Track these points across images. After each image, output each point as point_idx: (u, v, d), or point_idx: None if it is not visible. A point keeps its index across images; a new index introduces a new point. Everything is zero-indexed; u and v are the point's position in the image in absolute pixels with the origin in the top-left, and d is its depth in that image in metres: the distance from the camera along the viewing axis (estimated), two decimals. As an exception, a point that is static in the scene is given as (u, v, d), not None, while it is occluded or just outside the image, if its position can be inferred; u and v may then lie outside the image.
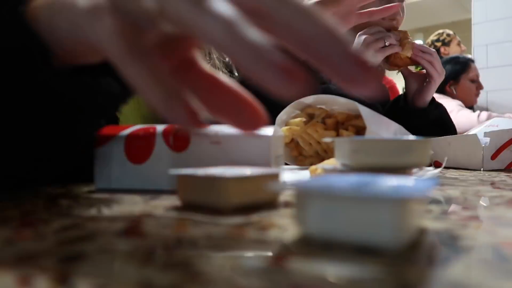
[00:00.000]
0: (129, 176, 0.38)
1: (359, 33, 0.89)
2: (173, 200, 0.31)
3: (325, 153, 0.60)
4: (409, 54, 0.91)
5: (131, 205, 0.29)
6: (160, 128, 0.38)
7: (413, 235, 0.19)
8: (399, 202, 0.17)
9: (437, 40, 2.65)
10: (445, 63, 2.07)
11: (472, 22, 2.51)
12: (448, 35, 2.63)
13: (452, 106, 1.84)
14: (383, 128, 0.52)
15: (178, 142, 0.37)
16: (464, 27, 3.59)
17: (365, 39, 0.88)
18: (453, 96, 2.04)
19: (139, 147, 0.38)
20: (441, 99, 1.94)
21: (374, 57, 0.86)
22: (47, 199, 0.32)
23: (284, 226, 0.22)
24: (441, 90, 2.04)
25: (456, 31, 2.73)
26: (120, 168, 0.38)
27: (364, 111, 0.52)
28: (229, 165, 0.35)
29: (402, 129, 0.57)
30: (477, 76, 2.08)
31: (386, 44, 0.88)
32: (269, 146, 0.35)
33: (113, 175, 0.38)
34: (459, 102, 1.99)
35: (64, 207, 0.28)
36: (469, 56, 2.22)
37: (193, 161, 0.36)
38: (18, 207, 0.28)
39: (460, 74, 2.04)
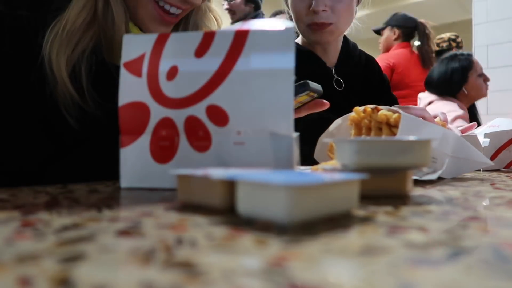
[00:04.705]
0: (153, 175, 0.38)
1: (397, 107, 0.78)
2: (173, 200, 0.31)
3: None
4: None
5: (131, 205, 0.29)
6: (183, 128, 0.38)
7: (318, 215, 0.23)
8: (288, 189, 0.22)
9: (454, 40, 2.66)
10: (447, 61, 2.03)
11: (473, 23, 2.51)
12: (461, 41, 2.65)
13: (453, 113, 1.83)
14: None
15: (201, 142, 0.37)
16: (464, 27, 3.59)
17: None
18: (465, 97, 2.01)
19: (163, 147, 0.38)
20: (447, 105, 1.92)
21: None
22: (47, 199, 0.32)
23: (284, 226, 0.22)
24: (454, 95, 2.00)
25: (456, 32, 2.74)
26: (145, 168, 0.39)
27: (404, 122, 0.49)
28: (252, 166, 0.35)
29: (449, 135, 0.52)
30: (481, 68, 2.06)
31: None
32: (292, 147, 0.36)
33: (138, 175, 0.39)
34: (461, 112, 1.96)
35: (64, 207, 0.28)
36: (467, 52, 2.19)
37: (216, 161, 0.37)
38: (18, 207, 0.28)
39: (467, 72, 2.01)
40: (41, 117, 0.52)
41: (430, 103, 1.94)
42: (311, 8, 0.90)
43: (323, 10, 0.90)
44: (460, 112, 1.93)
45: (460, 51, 2.10)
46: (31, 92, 0.51)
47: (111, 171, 0.45)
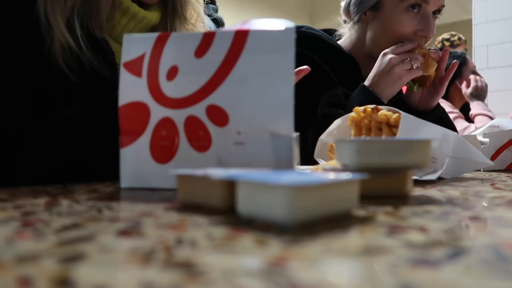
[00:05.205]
0: (154, 175, 0.38)
1: (384, 51, 0.84)
2: (173, 200, 0.31)
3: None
4: (432, 73, 0.85)
5: (131, 205, 0.29)
6: (183, 129, 0.38)
7: (318, 215, 0.23)
8: (289, 189, 0.21)
9: (447, 40, 2.66)
10: None
11: (473, 23, 2.51)
12: (459, 39, 2.65)
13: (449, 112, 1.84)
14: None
15: (201, 142, 0.37)
16: (464, 27, 3.59)
17: (390, 59, 0.81)
18: (458, 95, 2.02)
19: (163, 147, 0.38)
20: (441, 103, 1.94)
21: (399, 80, 0.82)
22: (47, 199, 0.32)
23: (284, 226, 0.22)
24: (445, 93, 2.02)
25: (456, 32, 2.74)
26: (145, 168, 0.39)
27: (404, 122, 0.49)
28: (252, 166, 0.35)
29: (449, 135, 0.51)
30: (474, 66, 2.08)
31: (414, 67, 0.81)
32: (292, 147, 0.36)
33: (138, 175, 0.39)
34: (456, 110, 1.98)
35: (64, 207, 0.28)
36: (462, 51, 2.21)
37: (216, 161, 0.37)
38: (18, 207, 0.28)
39: (461, 68, 2.02)
40: (39, 78, 0.53)
41: None
42: (421, 33, 0.88)
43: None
44: (455, 111, 1.95)
45: (454, 50, 2.12)
46: (31, 54, 0.52)
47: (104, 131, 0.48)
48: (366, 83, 0.85)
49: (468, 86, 1.99)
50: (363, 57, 0.97)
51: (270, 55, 0.36)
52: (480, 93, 1.98)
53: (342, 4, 1.00)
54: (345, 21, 1.03)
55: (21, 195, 0.34)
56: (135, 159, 0.39)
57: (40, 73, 0.52)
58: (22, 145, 0.51)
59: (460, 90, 2.03)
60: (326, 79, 0.90)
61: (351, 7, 0.97)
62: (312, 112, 0.84)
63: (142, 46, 0.39)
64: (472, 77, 1.98)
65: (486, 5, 2.44)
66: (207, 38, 0.38)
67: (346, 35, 1.02)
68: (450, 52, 2.07)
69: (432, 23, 0.89)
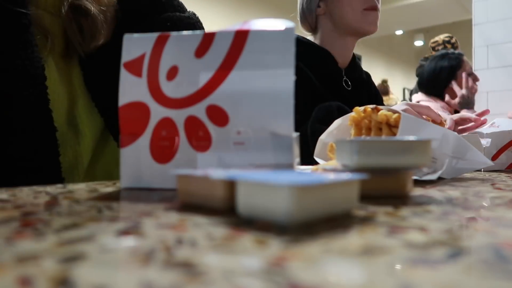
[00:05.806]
0: (154, 175, 0.38)
1: (407, 103, 0.81)
2: (173, 200, 0.31)
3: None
4: None
5: (131, 205, 0.29)
6: (182, 128, 0.38)
7: (318, 215, 0.23)
8: (289, 189, 0.22)
9: (448, 42, 2.66)
10: (437, 59, 2.03)
11: (473, 23, 2.51)
12: (456, 41, 2.65)
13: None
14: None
15: (201, 142, 0.37)
16: (464, 27, 3.60)
17: (406, 109, 0.77)
18: (453, 96, 2.02)
19: (163, 147, 0.38)
20: (430, 102, 1.93)
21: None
22: (47, 199, 0.32)
23: (284, 226, 0.22)
24: (440, 93, 2.01)
25: (456, 32, 2.74)
26: (145, 168, 0.39)
27: (404, 122, 0.50)
28: (252, 166, 0.35)
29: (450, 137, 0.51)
30: (471, 68, 2.06)
31: None
32: (292, 146, 0.36)
33: (138, 175, 0.39)
34: (446, 113, 1.98)
35: (64, 207, 0.28)
36: (459, 51, 2.20)
37: (216, 161, 0.37)
38: (18, 207, 0.28)
39: (456, 71, 2.00)
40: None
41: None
42: None
43: None
44: (446, 113, 1.94)
45: (451, 50, 2.11)
46: None
47: None
48: None
49: (461, 87, 1.97)
50: (335, 49, 1.02)
51: (270, 55, 0.36)
52: (468, 101, 1.97)
53: (298, 16, 1.07)
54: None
55: (21, 195, 0.34)
56: (135, 159, 0.39)
57: None
58: None
59: (453, 92, 2.02)
60: (308, 83, 0.92)
61: (305, 9, 1.04)
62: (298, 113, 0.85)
63: (142, 46, 0.40)
64: (457, 88, 1.96)
65: (486, 5, 2.44)
66: (207, 38, 0.38)
67: (312, 38, 1.07)
68: (448, 53, 2.06)
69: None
